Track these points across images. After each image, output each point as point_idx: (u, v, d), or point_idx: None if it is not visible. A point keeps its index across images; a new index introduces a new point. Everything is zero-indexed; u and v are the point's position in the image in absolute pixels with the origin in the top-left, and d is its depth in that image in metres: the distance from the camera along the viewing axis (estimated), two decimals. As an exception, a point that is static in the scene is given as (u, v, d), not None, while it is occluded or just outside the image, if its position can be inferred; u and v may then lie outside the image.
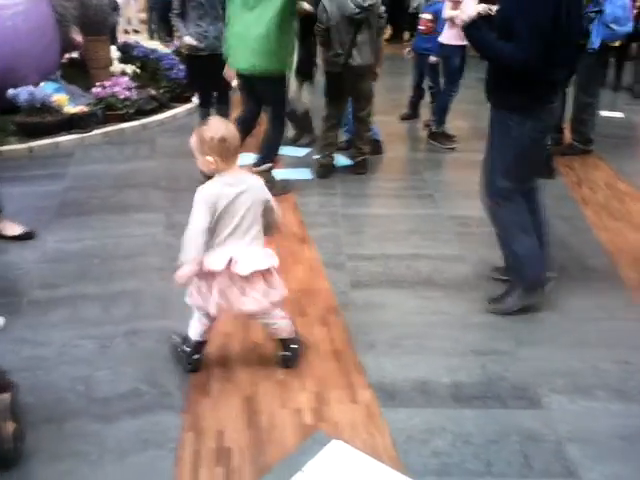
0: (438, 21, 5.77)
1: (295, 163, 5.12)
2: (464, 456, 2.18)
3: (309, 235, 3.82)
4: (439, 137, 5.66)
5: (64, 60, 6.96)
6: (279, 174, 4.68)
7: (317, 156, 4.96)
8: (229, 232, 2.35)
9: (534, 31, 2.57)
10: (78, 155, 5.11)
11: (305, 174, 4.87)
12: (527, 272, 3.02)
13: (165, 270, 3.32)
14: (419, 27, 5.98)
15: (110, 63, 6.80)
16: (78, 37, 6.66)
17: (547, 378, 2.57)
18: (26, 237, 3.64)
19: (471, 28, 2.77)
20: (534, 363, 2.67)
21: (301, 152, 5.35)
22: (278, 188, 4.43)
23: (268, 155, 4.40)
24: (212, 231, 2.34)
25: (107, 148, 5.34)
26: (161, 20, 10.80)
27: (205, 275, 2.38)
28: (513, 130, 2.80)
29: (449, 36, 5.39)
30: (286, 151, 5.16)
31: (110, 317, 2.96)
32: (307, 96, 5.32)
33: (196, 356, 2.58)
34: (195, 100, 6.41)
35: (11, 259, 3.49)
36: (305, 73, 5.16)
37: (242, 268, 2.35)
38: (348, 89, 4.68)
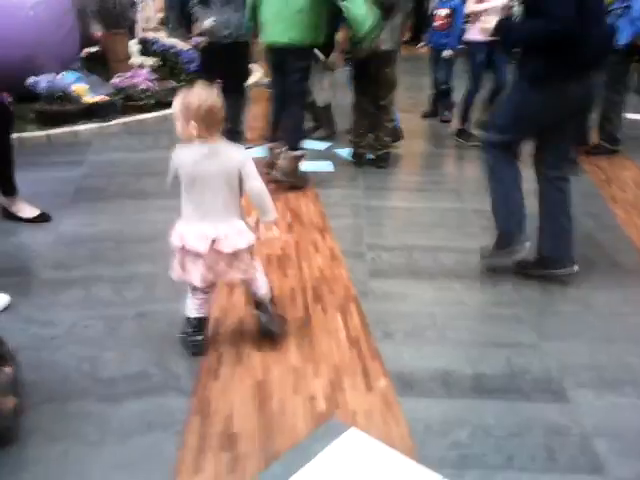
0: (455, 16, 5.71)
1: (316, 156, 5.02)
2: (484, 449, 2.06)
3: (330, 225, 3.72)
4: (463, 134, 5.53)
5: (83, 54, 6.96)
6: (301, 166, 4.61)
7: (345, 149, 4.91)
8: (206, 205, 2.31)
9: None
10: (97, 144, 5.08)
11: (327, 167, 4.77)
12: (498, 223, 3.11)
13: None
14: (434, 24, 5.91)
15: (129, 56, 6.77)
16: (97, 32, 6.70)
17: (573, 372, 2.44)
18: (41, 219, 3.59)
19: (502, 30, 2.83)
20: (559, 357, 2.54)
21: (322, 145, 5.26)
22: (300, 179, 4.34)
23: (296, 137, 4.32)
24: (187, 201, 2.32)
25: (127, 137, 5.31)
26: (180, 17, 10.82)
27: (188, 251, 2.33)
28: (519, 93, 2.92)
29: (473, 32, 5.29)
30: (307, 144, 5.09)
31: (122, 299, 2.89)
32: (328, 87, 5.24)
33: (199, 337, 2.49)
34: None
35: (24, 241, 3.45)
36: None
37: (225, 246, 2.30)
38: (373, 75, 4.55)
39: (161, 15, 11.86)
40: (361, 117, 4.75)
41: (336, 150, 5.05)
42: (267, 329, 2.56)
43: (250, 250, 2.40)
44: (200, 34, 4.81)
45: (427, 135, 5.91)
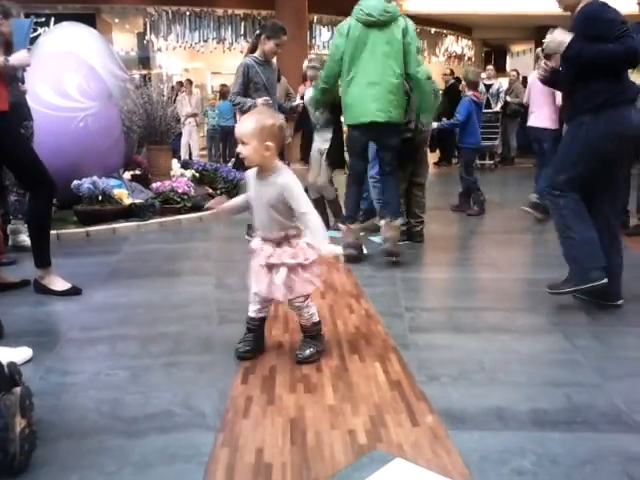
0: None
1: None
2: (553, 476, 1.79)
3: (364, 292, 3.58)
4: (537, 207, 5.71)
5: (127, 176, 7.28)
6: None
7: (377, 236, 4.87)
8: None
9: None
10: (133, 238, 5.14)
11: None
12: (582, 259, 3.06)
13: (212, 317, 3.16)
14: None
15: (170, 170, 7.07)
16: (142, 159, 7.11)
17: (645, 405, 2.17)
18: (73, 292, 3.55)
19: (573, 46, 2.98)
20: (625, 394, 2.28)
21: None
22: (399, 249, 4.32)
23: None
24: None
25: (162, 234, 5.37)
26: (222, 147, 11.61)
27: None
28: (583, 130, 3.02)
29: (539, 119, 5.88)
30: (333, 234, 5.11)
31: (148, 353, 2.74)
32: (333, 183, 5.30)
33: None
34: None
35: (55, 308, 3.37)
36: (336, 161, 5.14)
37: None
38: (414, 154, 4.73)
39: (202, 151, 12.61)
40: (403, 196, 4.80)
41: (369, 237, 4.99)
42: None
43: None
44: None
45: (460, 223, 5.86)
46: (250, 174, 2.53)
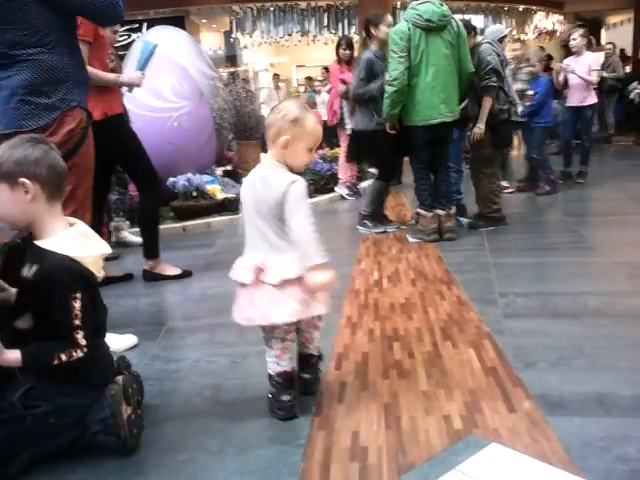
0: None
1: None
2: (662, 464, 1.71)
3: (456, 278, 3.54)
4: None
5: (219, 172, 7.51)
6: (412, 238, 4.55)
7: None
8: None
9: None
10: (227, 231, 5.31)
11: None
12: None
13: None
14: None
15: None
16: (232, 154, 7.34)
17: None
18: (186, 275, 3.87)
19: None
20: None
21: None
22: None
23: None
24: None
25: (254, 227, 5.52)
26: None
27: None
28: None
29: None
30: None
31: (246, 340, 2.83)
32: None
33: (286, 397, 2.11)
34: (339, 190, 6.65)
35: (156, 299, 3.57)
36: None
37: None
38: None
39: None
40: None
41: (460, 219, 4.89)
42: (309, 388, 2.28)
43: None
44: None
45: (551, 206, 5.64)
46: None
